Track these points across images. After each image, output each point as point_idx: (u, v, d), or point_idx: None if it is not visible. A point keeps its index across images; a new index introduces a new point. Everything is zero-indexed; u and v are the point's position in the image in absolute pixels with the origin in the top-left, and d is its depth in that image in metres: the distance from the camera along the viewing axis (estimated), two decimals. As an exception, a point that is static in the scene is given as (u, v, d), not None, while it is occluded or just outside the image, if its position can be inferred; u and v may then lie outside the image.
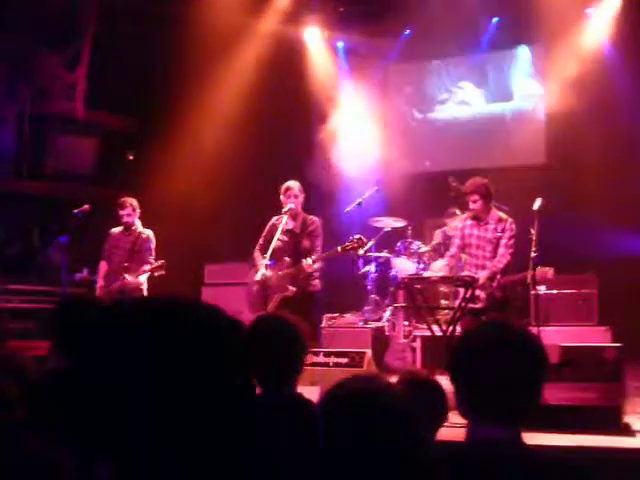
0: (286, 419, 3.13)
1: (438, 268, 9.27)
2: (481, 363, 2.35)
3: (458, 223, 8.87)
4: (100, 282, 9.25)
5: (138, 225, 9.31)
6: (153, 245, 9.24)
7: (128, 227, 9.26)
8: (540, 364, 2.40)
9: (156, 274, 8.91)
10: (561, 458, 2.37)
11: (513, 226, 8.05)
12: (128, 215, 9.19)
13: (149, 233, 9.27)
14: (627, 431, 5.95)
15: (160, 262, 8.93)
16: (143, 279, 8.99)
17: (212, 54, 12.24)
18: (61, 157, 12.79)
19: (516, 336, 2.42)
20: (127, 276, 8.90)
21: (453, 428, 6.38)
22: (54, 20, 12.13)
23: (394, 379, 3.90)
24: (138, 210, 9.29)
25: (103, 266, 9.35)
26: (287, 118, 12.55)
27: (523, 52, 12.90)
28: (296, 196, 8.43)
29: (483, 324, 2.61)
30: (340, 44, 13.70)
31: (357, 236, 8.16)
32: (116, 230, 9.42)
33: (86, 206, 9.32)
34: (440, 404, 3.71)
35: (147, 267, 8.92)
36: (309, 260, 8.09)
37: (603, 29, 11.88)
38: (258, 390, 3.50)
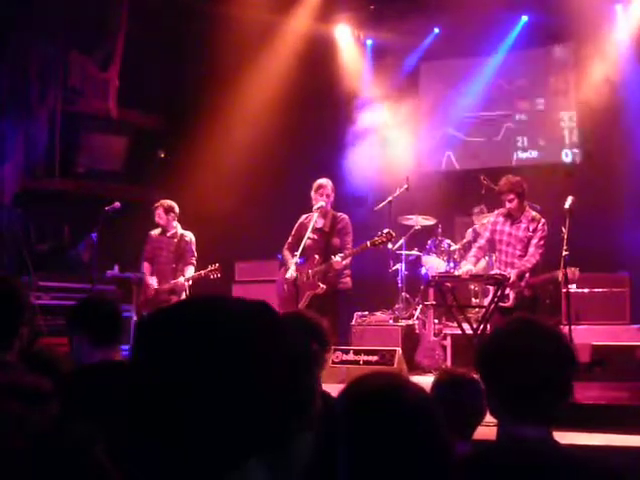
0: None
1: (465, 261, 9.25)
2: (510, 362, 2.34)
3: (490, 218, 8.85)
4: (149, 282, 9.45)
5: (178, 227, 9.51)
6: (194, 247, 9.47)
7: (167, 229, 9.47)
8: (569, 363, 2.38)
9: (212, 276, 9.19)
10: (593, 457, 2.34)
11: (545, 227, 8.01)
12: (166, 219, 9.41)
13: (191, 235, 9.51)
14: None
15: (216, 265, 9.19)
16: (187, 276, 9.23)
17: (243, 53, 12.28)
18: (92, 155, 12.91)
19: (545, 335, 2.41)
20: (181, 277, 9.21)
21: (486, 427, 6.40)
22: (87, 20, 12.23)
23: (430, 377, 3.91)
24: (174, 213, 9.46)
25: (147, 267, 9.58)
26: (317, 116, 12.55)
27: (553, 50, 12.80)
28: (328, 195, 8.41)
29: (511, 322, 2.56)
30: (370, 42, 13.69)
31: (386, 230, 8.13)
32: (156, 232, 9.61)
33: (117, 204, 9.39)
34: (478, 402, 3.70)
35: (192, 269, 9.26)
36: (338, 257, 8.07)
37: (634, 24, 11.77)
38: None
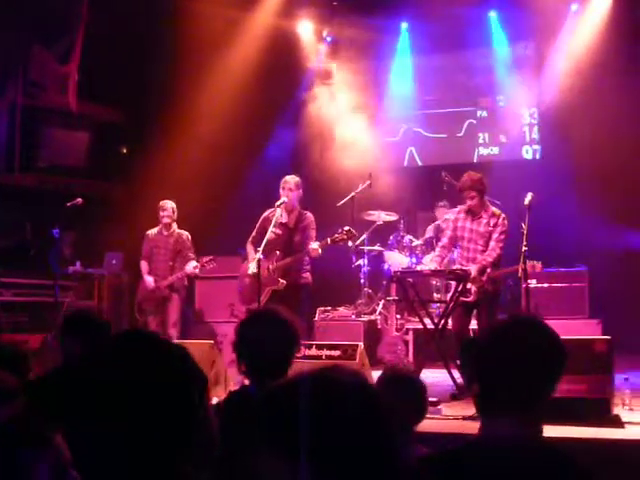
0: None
1: (429, 260, 9.32)
2: (505, 361, 2.33)
3: (451, 215, 8.92)
4: (148, 278, 9.80)
5: (175, 226, 9.97)
6: (191, 243, 9.95)
7: (168, 228, 9.88)
8: (562, 361, 2.40)
9: (208, 267, 9.77)
10: (569, 456, 2.31)
11: (505, 222, 8.09)
12: (169, 217, 9.88)
13: (187, 233, 9.99)
14: (616, 423, 5.99)
15: (211, 257, 9.76)
16: (191, 267, 9.66)
17: (206, 47, 12.23)
18: (54, 150, 12.79)
19: (540, 333, 2.42)
20: (189, 267, 9.66)
21: (446, 420, 6.48)
22: (47, 13, 12.09)
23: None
24: (176, 212, 9.94)
25: (145, 265, 9.95)
26: (280, 112, 12.56)
27: (515, 47, 12.92)
28: (291, 189, 8.41)
29: (507, 320, 2.57)
30: (330, 38, 13.70)
31: (347, 228, 8.16)
32: (153, 232, 10.00)
33: (79, 199, 9.34)
34: (419, 400, 3.75)
35: (193, 262, 9.68)
36: (315, 244, 8.08)
37: (594, 24, 11.92)
38: (248, 382, 3.55)
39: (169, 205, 9.90)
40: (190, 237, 9.95)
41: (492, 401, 2.35)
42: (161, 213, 9.86)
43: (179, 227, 9.99)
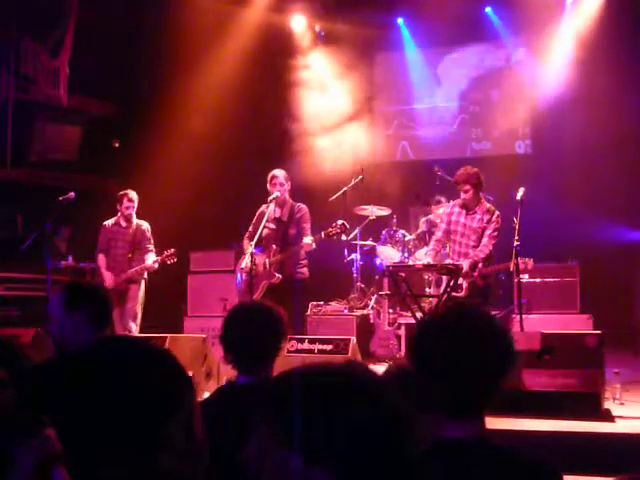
0: (259, 403, 3.16)
1: (423, 254, 9.33)
2: (438, 353, 2.17)
3: (445, 209, 8.93)
4: (106, 274, 9.33)
5: (134, 217, 9.47)
6: (150, 234, 9.46)
7: (129, 220, 9.41)
8: (504, 354, 2.21)
9: (169, 262, 9.23)
10: (524, 451, 2.17)
11: (499, 219, 8.11)
12: (133, 208, 9.38)
13: (147, 224, 9.48)
14: (606, 417, 6.02)
15: (171, 250, 9.22)
16: (151, 261, 9.24)
17: (198, 41, 12.23)
18: (46, 144, 12.76)
19: (478, 323, 2.23)
20: (149, 260, 9.23)
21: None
22: (37, 7, 12.07)
23: (384, 366, 3.95)
24: (136, 202, 9.43)
25: (102, 258, 9.46)
26: (273, 106, 12.56)
27: (510, 41, 12.94)
28: (281, 184, 8.42)
29: (444, 310, 2.38)
30: (324, 33, 13.69)
31: (340, 222, 8.16)
32: (110, 222, 9.53)
33: (71, 194, 9.30)
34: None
35: (152, 255, 9.27)
36: (309, 239, 8.09)
37: (586, 19, 11.95)
38: (235, 373, 3.57)
39: (135, 195, 9.39)
40: (150, 228, 9.47)
41: (436, 399, 2.19)
42: (127, 203, 9.32)
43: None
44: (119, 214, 9.46)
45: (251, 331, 3.53)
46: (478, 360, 2.15)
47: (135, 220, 9.45)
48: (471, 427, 2.16)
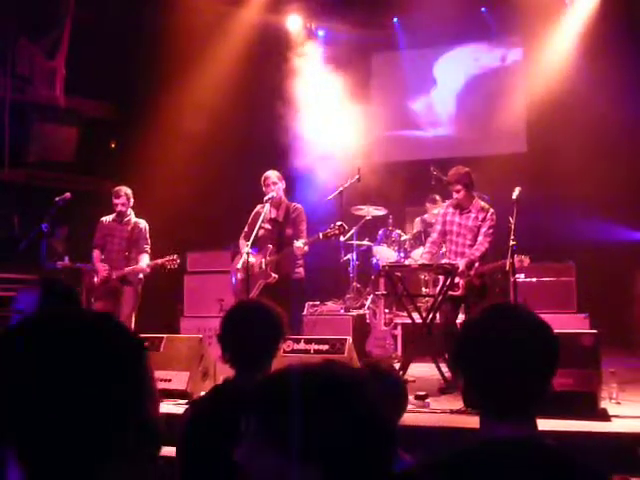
0: (248, 402, 3.17)
1: (419, 255, 9.33)
2: (487, 353, 2.13)
3: (440, 209, 8.94)
4: (99, 265, 9.26)
5: (132, 214, 9.40)
6: (148, 234, 9.38)
7: (122, 216, 9.33)
8: (553, 349, 2.19)
9: (169, 266, 9.17)
10: (578, 459, 2.11)
11: (494, 217, 8.12)
12: (123, 204, 9.26)
13: (145, 223, 9.40)
14: (603, 416, 6.03)
15: (174, 256, 9.18)
16: (144, 264, 9.17)
17: (195, 41, 12.23)
18: (43, 145, 12.76)
19: (525, 321, 2.21)
20: (142, 263, 9.16)
21: (433, 414, 6.51)
22: (33, 7, 12.07)
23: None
24: (132, 199, 9.36)
25: (97, 254, 9.40)
26: (269, 107, 12.55)
27: (505, 41, 12.96)
28: (274, 183, 8.45)
29: (486, 310, 2.31)
30: (322, 32, 13.71)
31: (339, 223, 8.17)
32: (108, 219, 9.47)
33: (67, 194, 9.28)
34: (400, 396, 3.76)
35: (147, 257, 9.19)
36: (300, 242, 8.10)
37: (582, 19, 11.98)
38: (232, 373, 3.57)
39: (123, 191, 9.28)
40: (147, 227, 9.38)
41: (485, 399, 2.17)
42: (114, 200, 9.23)
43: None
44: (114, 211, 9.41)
45: (250, 330, 3.53)
46: (527, 358, 2.13)
47: (133, 218, 9.39)
48: (521, 426, 2.13)
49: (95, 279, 9.29)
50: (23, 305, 3.87)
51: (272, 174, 8.54)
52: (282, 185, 8.56)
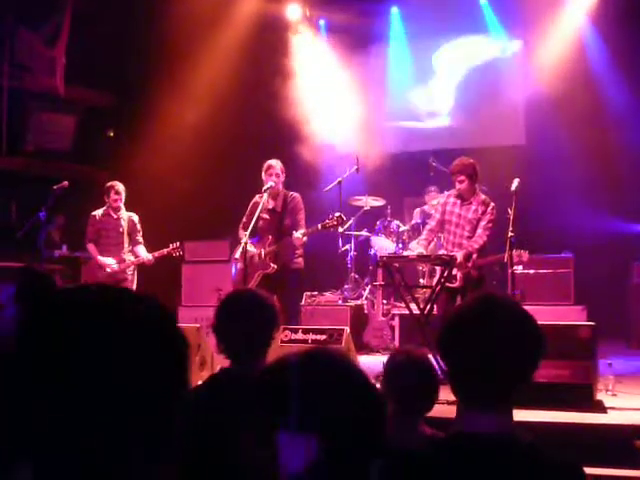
0: (253, 391, 3.18)
1: (416, 243, 9.32)
2: (468, 343, 2.13)
3: (440, 199, 8.93)
4: (105, 259, 9.36)
5: (123, 208, 9.50)
6: (139, 226, 9.51)
7: (116, 211, 9.43)
8: (535, 341, 2.17)
9: (175, 254, 9.45)
10: (553, 453, 2.10)
11: (494, 211, 8.10)
12: (120, 200, 9.40)
13: (136, 216, 9.53)
14: (599, 408, 6.04)
15: (176, 244, 9.39)
16: (148, 255, 9.33)
17: (194, 30, 12.20)
18: (41, 134, 12.74)
19: (506, 311, 2.19)
20: (141, 255, 9.33)
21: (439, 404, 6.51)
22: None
23: (378, 357, 3.96)
24: (124, 194, 9.46)
25: (93, 248, 9.47)
26: (268, 97, 12.53)
27: (505, 32, 12.93)
28: (277, 175, 8.39)
29: (471, 300, 2.31)
30: (322, 22, 13.67)
31: (337, 214, 8.15)
32: (99, 213, 9.52)
33: (65, 183, 9.28)
34: (433, 381, 3.77)
35: (142, 247, 9.36)
36: (299, 233, 8.08)
37: (582, 12, 11.96)
38: (228, 363, 3.58)
39: (121, 188, 9.40)
40: (138, 220, 9.52)
41: (464, 390, 2.18)
42: (114, 196, 9.35)
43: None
44: (107, 205, 9.48)
45: (243, 320, 3.53)
46: (511, 350, 2.12)
47: (124, 212, 9.48)
48: (502, 420, 2.13)
49: (100, 272, 9.33)
50: (4, 297, 3.89)
51: (276, 164, 8.46)
52: (283, 177, 8.52)
